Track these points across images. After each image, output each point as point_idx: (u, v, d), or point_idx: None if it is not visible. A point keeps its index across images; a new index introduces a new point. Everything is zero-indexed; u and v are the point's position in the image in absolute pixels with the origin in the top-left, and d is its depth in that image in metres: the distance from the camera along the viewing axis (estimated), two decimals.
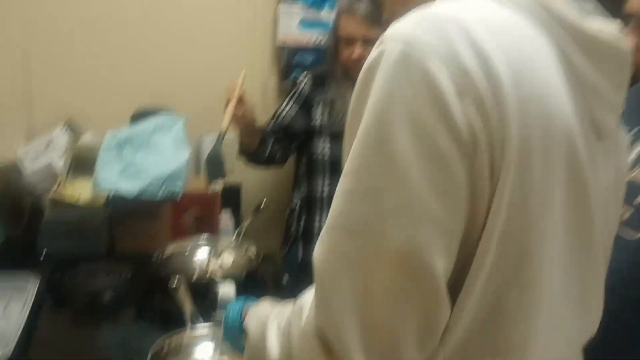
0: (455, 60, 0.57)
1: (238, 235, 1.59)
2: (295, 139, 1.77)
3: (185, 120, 1.74)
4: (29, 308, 0.69)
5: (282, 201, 1.95)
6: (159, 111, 1.79)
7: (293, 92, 1.79)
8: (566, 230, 0.65)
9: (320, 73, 1.77)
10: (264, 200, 1.69)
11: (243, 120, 1.61)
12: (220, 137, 1.53)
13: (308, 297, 0.67)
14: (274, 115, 1.79)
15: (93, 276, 1.43)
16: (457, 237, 0.59)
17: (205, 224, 1.61)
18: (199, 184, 1.66)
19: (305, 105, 1.75)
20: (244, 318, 0.86)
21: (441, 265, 0.58)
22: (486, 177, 0.58)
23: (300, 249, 1.76)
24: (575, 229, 0.66)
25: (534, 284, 0.62)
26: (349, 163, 0.60)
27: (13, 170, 1.62)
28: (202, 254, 1.47)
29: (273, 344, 0.73)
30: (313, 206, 1.73)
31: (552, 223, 0.62)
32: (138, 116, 1.80)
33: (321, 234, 0.62)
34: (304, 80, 1.77)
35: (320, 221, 1.70)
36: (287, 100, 1.79)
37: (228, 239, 1.55)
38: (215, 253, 1.47)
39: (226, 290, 1.00)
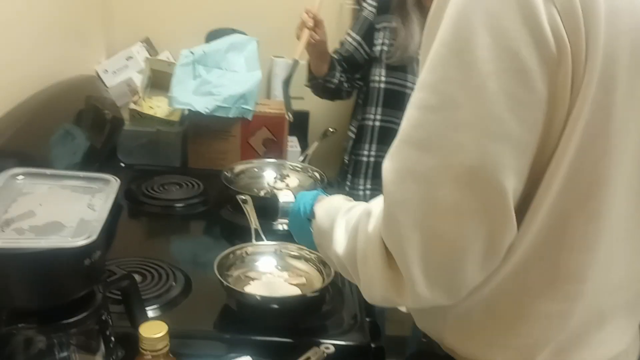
0: None
1: (304, 159, 1.63)
2: (359, 70, 1.69)
3: (258, 42, 1.75)
4: (111, 202, 0.74)
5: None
6: (233, 32, 1.81)
7: (357, 19, 1.70)
8: None
9: None
10: (330, 127, 1.72)
11: (317, 47, 1.56)
12: (295, 64, 1.52)
13: (379, 202, 0.66)
14: (340, 44, 1.73)
15: (167, 188, 1.50)
16: (530, 155, 0.57)
17: (274, 146, 1.64)
18: (269, 106, 1.68)
19: (368, 33, 1.65)
20: (315, 203, 0.86)
21: (511, 183, 0.56)
22: (566, 93, 0.55)
23: (348, 181, 1.73)
24: None
25: (600, 215, 0.60)
26: (424, 75, 0.58)
27: (95, 84, 1.69)
28: (269, 174, 1.51)
29: (340, 239, 0.73)
30: (364, 138, 1.67)
31: (628, 153, 0.59)
32: (212, 36, 1.82)
33: (391, 147, 0.61)
34: (368, 7, 1.67)
35: (369, 155, 1.66)
36: (351, 27, 1.71)
37: (294, 162, 1.59)
38: (281, 174, 1.51)
39: (286, 196, 1.02)
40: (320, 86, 1.70)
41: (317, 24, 1.54)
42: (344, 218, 0.75)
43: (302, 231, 0.89)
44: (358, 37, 1.67)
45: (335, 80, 1.68)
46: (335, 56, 1.70)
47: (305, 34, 1.52)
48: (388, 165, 0.61)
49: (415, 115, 0.59)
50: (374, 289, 0.66)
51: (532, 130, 0.56)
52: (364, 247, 0.66)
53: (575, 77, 0.55)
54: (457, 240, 0.58)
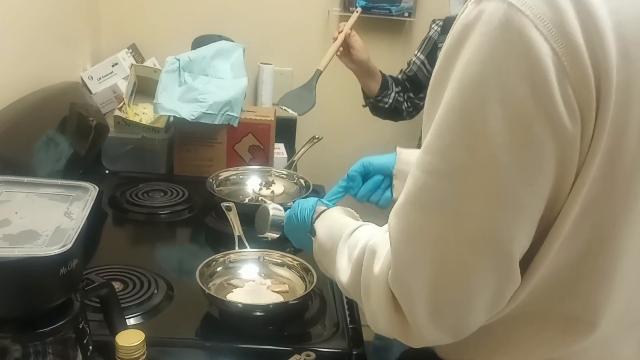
0: (562, 31, 0.51)
1: (290, 165, 1.63)
2: (422, 89, 1.71)
3: (245, 48, 1.75)
4: (88, 210, 0.74)
5: (334, 137, 1.96)
6: (219, 39, 1.81)
7: (424, 39, 1.74)
8: None
9: (453, 18, 1.69)
10: (317, 134, 1.72)
11: (359, 67, 1.61)
12: (317, 74, 1.55)
13: (382, 242, 0.67)
14: (407, 64, 1.77)
15: (151, 195, 1.49)
16: (538, 218, 0.57)
17: (260, 153, 1.64)
18: (255, 113, 1.68)
19: (432, 52, 1.69)
20: (315, 216, 0.88)
21: (519, 247, 0.57)
22: (574, 162, 0.55)
23: None
24: None
25: (610, 264, 0.61)
26: (431, 138, 0.57)
27: (80, 90, 1.68)
28: (254, 181, 1.51)
29: (343, 268, 0.74)
30: None
31: (636, 211, 0.59)
32: (199, 42, 1.82)
33: (397, 206, 0.62)
34: (435, 26, 1.71)
35: None
36: (417, 48, 1.75)
37: (280, 168, 1.59)
38: (266, 181, 1.51)
39: (277, 209, 1.03)
40: (374, 106, 1.72)
41: (351, 44, 1.58)
42: (345, 244, 0.76)
43: (301, 238, 0.91)
44: (422, 57, 1.71)
45: (389, 100, 1.69)
46: (400, 76, 1.74)
47: (332, 46, 1.56)
48: (394, 224, 0.62)
49: (422, 178, 0.58)
50: (379, 325, 0.68)
51: (541, 197, 0.56)
52: (367, 284, 0.68)
53: (582, 147, 0.54)
54: (464, 294, 0.59)
